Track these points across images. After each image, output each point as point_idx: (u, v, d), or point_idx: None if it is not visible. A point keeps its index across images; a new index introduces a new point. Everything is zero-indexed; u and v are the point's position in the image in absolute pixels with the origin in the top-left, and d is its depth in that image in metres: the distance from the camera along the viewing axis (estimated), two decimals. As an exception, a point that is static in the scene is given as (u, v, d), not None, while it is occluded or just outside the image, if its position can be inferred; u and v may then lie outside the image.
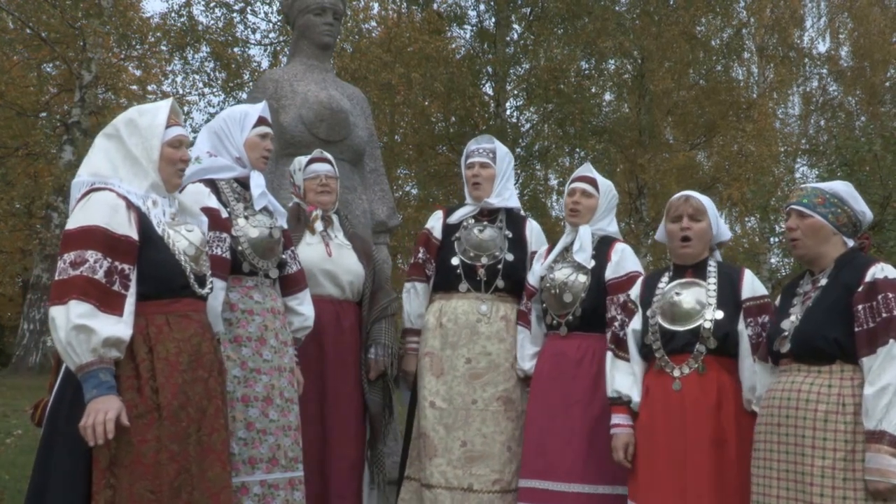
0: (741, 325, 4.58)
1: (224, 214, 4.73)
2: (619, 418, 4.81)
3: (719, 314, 4.59)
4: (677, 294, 4.72)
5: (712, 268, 4.78)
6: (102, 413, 3.57)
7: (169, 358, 3.83)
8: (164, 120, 4.11)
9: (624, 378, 4.83)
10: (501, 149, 5.88)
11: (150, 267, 3.87)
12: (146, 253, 3.87)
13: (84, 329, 3.60)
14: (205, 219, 4.37)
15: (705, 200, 4.86)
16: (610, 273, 5.31)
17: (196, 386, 3.93)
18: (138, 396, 3.74)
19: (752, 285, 4.68)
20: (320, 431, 5.38)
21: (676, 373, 4.59)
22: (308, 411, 5.28)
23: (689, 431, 4.49)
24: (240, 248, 4.80)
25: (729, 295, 4.65)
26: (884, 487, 3.70)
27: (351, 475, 5.49)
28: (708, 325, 4.57)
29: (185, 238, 4.08)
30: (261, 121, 5.03)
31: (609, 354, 4.94)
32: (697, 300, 4.66)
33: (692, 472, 4.45)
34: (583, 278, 5.32)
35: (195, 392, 3.91)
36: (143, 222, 3.91)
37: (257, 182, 4.98)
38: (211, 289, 4.23)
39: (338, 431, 5.44)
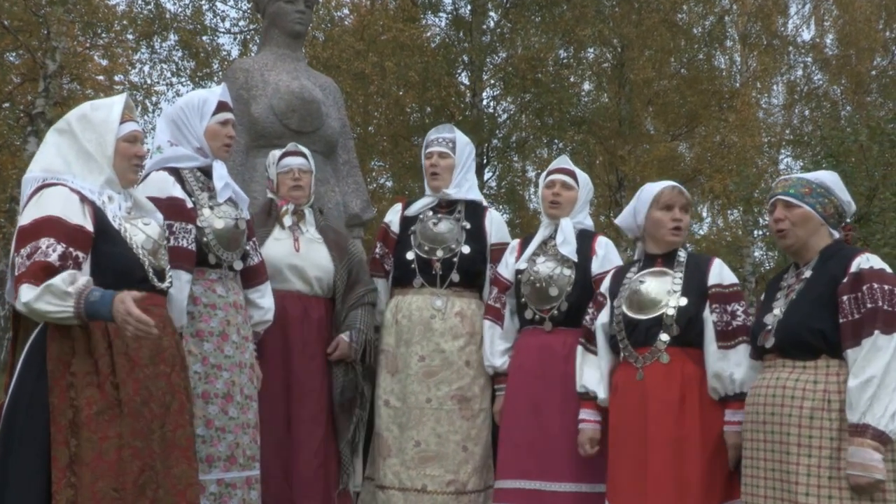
0: (706, 312, 4.64)
1: (189, 204, 4.74)
2: (585, 413, 4.95)
3: (683, 301, 4.66)
4: (641, 282, 4.79)
5: (682, 257, 4.84)
6: (122, 313, 3.55)
7: (129, 353, 3.85)
8: (118, 115, 4.13)
9: (591, 373, 4.91)
10: (461, 138, 5.86)
11: (108, 261, 3.89)
12: (102, 247, 3.89)
13: (41, 295, 3.59)
14: (160, 214, 4.38)
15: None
16: (597, 267, 5.35)
17: (158, 381, 3.95)
18: (98, 392, 3.75)
19: (720, 273, 4.75)
20: (286, 429, 5.39)
21: (640, 363, 4.64)
22: (274, 408, 5.32)
23: (651, 428, 4.54)
24: (205, 239, 4.79)
25: (695, 283, 4.72)
26: (865, 482, 3.73)
27: (318, 474, 5.47)
28: (671, 311, 4.63)
29: (142, 231, 4.10)
30: (221, 107, 4.97)
31: (580, 348, 5.02)
32: (663, 288, 4.73)
33: (653, 470, 4.50)
34: (567, 272, 5.34)
35: (157, 387, 3.94)
36: (99, 216, 3.93)
37: (220, 173, 4.95)
38: (171, 282, 4.25)
39: (304, 429, 5.44)
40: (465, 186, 5.82)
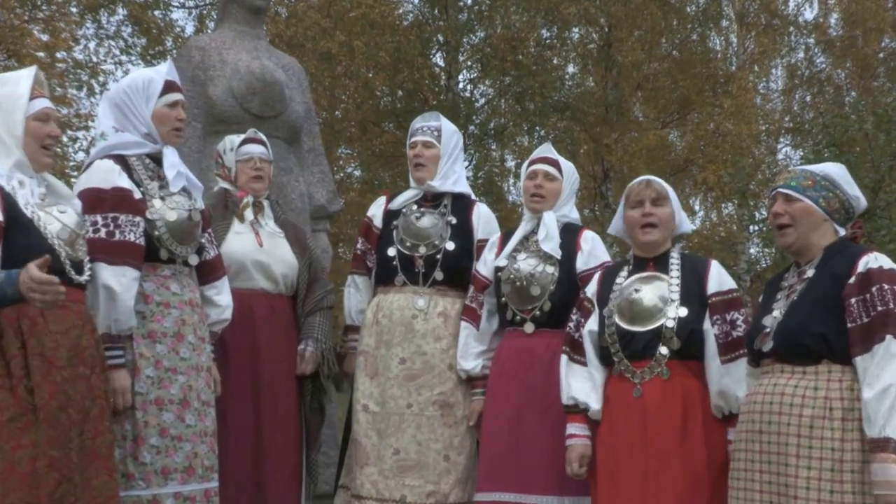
0: (707, 324, 4.61)
1: (137, 195, 4.66)
2: (574, 427, 4.79)
3: (683, 311, 4.61)
4: (636, 290, 4.72)
5: (675, 260, 4.80)
6: (27, 282, 3.50)
7: (45, 353, 3.81)
8: (26, 90, 4.08)
9: (581, 384, 4.78)
10: (448, 127, 5.87)
11: (19, 252, 3.80)
12: (13, 237, 3.85)
13: None
14: (78, 201, 4.34)
15: (667, 186, 4.89)
16: (582, 264, 5.33)
17: (77, 384, 3.91)
18: (11, 397, 3.71)
19: (718, 279, 4.71)
20: (256, 436, 5.39)
21: (637, 379, 4.58)
22: (242, 414, 5.34)
23: (652, 444, 4.49)
24: (156, 233, 4.70)
25: (694, 290, 4.67)
26: (895, 501, 3.63)
27: (289, 484, 5.52)
28: (670, 323, 4.58)
29: (57, 220, 4.06)
30: (168, 87, 4.87)
31: (563, 358, 4.91)
32: (659, 297, 4.67)
33: (658, 488, 4.45)
34: (551, 269, 5.31)
35: (76, 391, 3.89)
36: (8, 203, 3.88)
37: (171, 161, 4.86)
38: (90, 275, 4.19)
39: (275, 436, 5.46)
40: (451, 178, 5.81)
